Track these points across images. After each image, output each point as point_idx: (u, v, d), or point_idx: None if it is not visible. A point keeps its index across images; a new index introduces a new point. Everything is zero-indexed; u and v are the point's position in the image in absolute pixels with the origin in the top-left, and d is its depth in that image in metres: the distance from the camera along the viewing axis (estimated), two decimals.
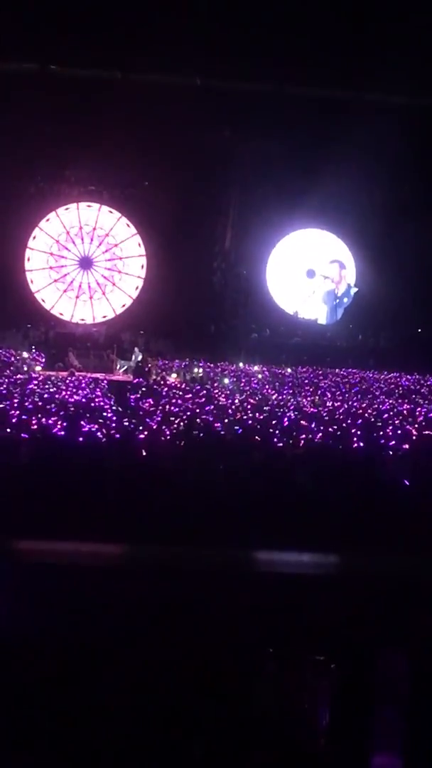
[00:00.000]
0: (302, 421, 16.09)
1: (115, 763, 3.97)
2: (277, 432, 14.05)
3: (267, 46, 27.56)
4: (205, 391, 23.27)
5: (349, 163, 31.04)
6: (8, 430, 13.14)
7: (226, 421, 15.61)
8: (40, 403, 17.68)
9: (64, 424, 13.91)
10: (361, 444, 13.09)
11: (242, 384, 26.44)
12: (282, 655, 4.21)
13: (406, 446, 12.84)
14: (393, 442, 13.39)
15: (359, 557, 5.99)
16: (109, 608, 4.49)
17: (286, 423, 15.76)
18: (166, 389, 23.70)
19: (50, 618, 4.43)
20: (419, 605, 4.55)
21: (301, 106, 30.97)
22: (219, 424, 15.07)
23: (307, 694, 4.08)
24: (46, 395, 19.94)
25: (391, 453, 11.91)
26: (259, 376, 29.19)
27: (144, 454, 11.19)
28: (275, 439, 13.07)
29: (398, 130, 29.90)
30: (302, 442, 12.92)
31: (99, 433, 13.04)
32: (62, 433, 12.99)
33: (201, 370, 28.87)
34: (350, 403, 22.24)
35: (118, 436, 13.04)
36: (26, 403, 17.54)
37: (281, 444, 12.64)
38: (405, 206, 34.06)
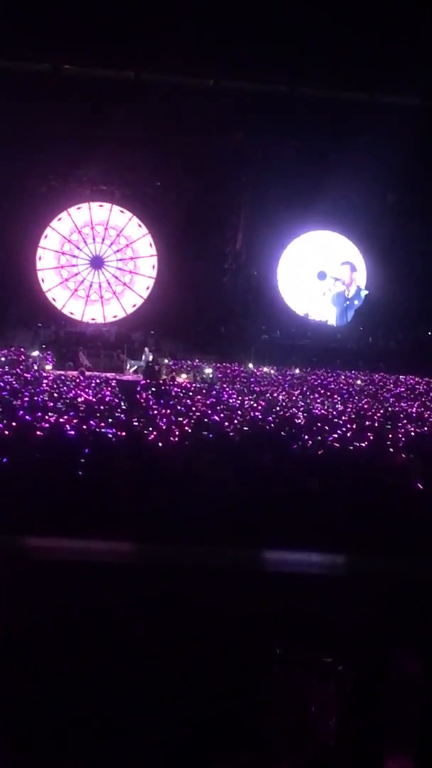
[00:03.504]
0: (312, 423, 16.07)
1: (116, 762, 3.96)
2: (284, 434, 14.02)
3: (279, 48, 27.59)
4: (214, 392, 23.27)
5: (360, 165, 31.00)
6: (18, 427, 13.15)
7: (236, 422, 15.60)
8: (50, 402, 17.71)
9: (74, 422, 13.93)
10: (372, 445, 13.07)
11: (252, 385, 26.42)
12: (289, 657, 4.16)
13: (416, 448, 12.80)
14: (403, 443, 13.37)
15: (369, 556, 5.96)
16: (113, 606, 4.47)
17: (296, 424, 15.74)
18: (175, 389, 23.70)
19: (56, 615, 4.43)
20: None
21: (312, 107, 30.99)
22: (228, 424, 15.06)
23: (316, 698, 4.03)
24: (55, 394, 19.98)
25: (402, 455, 11.87)
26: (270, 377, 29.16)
27: (152, 453, 11.18)
28: (285, 440, 13.05)
29: (410, 132, 29.87)
30: (311, 442, 12.89)
31: (109, 433, 13.05)
32: (72, 431, 12.98)
33: (211, 370, 28.85)
34: (360, 404, 22.20)
35: (126, 435, 13.04)
36: (36, 402, 17.58)
37: (292, 445, 12.61)
38: (416, 209, 33.99)
